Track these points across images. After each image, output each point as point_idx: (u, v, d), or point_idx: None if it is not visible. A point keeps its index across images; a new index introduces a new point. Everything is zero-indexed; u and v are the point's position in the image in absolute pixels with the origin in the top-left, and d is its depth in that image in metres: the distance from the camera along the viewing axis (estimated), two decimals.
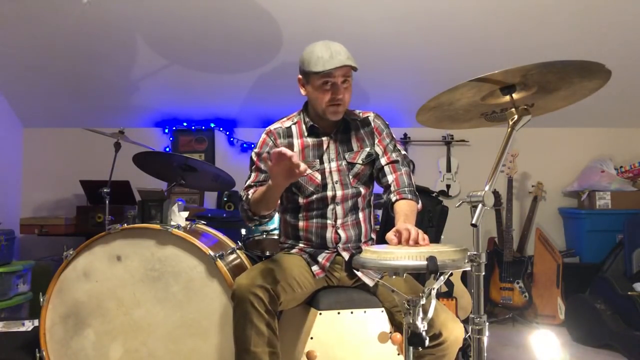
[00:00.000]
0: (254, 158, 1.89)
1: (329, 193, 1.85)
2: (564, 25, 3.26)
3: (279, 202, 1.86)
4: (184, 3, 3.15)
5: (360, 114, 1.95)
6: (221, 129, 4.10)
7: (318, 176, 1.86)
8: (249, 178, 1.87)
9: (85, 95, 3.85)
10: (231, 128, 4.11)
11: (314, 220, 1.86)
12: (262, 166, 1.83)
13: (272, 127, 1.92)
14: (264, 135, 1.91)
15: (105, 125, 3.42)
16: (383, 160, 1.87)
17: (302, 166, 1.49)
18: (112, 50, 3.49)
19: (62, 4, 3.12)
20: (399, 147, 1.91)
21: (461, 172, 4.11)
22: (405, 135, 4.08)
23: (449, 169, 4.09)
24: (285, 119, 1.95)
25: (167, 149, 4.07)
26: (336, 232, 1.85)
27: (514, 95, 1.31)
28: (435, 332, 1.58)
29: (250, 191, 1.79)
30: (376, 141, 1.90)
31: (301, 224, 1.88)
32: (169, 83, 3.77)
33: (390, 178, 1.84)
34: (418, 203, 1.80)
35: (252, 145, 4.04)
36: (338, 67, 1.72)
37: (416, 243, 1.44)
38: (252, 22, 3.26)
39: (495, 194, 3.71)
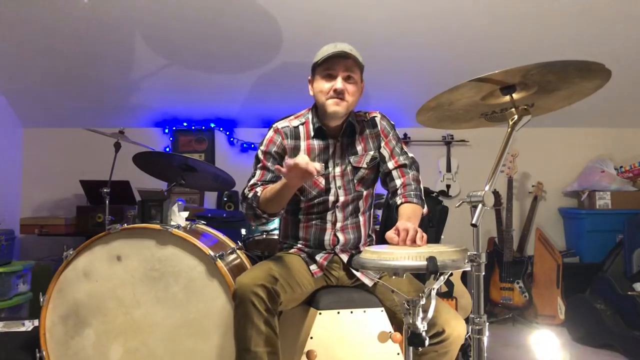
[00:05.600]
0: (261, 156, 1.86)
1: (331, 198, 1.84)
2: (564, 25, 3.26)
3: None
4: (184, 3, 3.15)
5: (367, 115, 1.94)
6: (221, 129, 4.09)
7: (322, 181, 1.84)
8: (252, 176, 1.85)
9: (85, 95, 3.85)
10: (231, 128, 4.11)
11: (314, 222, 1.86)
12: (270, 165, 1.83)
13: (279, 125, 1.89)
14: (271, 133, 1.88)
15: (105, 125, 3.43)
16: (390, 164, 1.85)
17: (318, 166, 1.56)
18: (112, 50, 3.49)
19: (63, 4, 3.12)
20: (405, 149, 1.90)
21: (461, 172, 4.10)
22: (405, 135, 4.07)
23: (449, 169, 4.09)
24: (293, 117, 1.92)
25: (167, 149, 4.07)
26: (335, 235, 1.85)
27: (514, 95, 1.31)
28: (438, 329, 1.59)
29: (258, 189, 1.77)
30: (382, 144, 1.89)
31: (301, 224, 1.88)
32: (169, 83, 3.77)
33: (398, 182, 1.83)
34: (423, 208, 1.80)
35: (253, 145, 4.04)
36: (338, 56, 1.74)
37: (413, 242, 1.44)
38: (252, 22, 3.26)
39: (495, 194, 3.70)
